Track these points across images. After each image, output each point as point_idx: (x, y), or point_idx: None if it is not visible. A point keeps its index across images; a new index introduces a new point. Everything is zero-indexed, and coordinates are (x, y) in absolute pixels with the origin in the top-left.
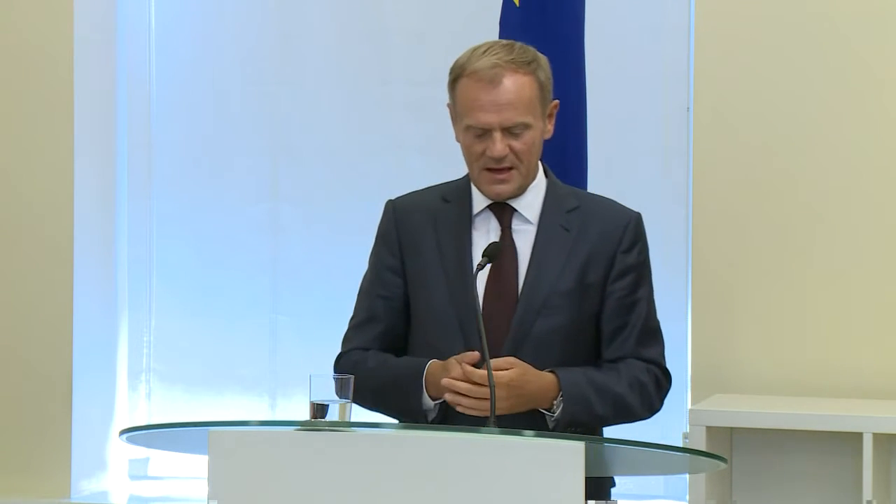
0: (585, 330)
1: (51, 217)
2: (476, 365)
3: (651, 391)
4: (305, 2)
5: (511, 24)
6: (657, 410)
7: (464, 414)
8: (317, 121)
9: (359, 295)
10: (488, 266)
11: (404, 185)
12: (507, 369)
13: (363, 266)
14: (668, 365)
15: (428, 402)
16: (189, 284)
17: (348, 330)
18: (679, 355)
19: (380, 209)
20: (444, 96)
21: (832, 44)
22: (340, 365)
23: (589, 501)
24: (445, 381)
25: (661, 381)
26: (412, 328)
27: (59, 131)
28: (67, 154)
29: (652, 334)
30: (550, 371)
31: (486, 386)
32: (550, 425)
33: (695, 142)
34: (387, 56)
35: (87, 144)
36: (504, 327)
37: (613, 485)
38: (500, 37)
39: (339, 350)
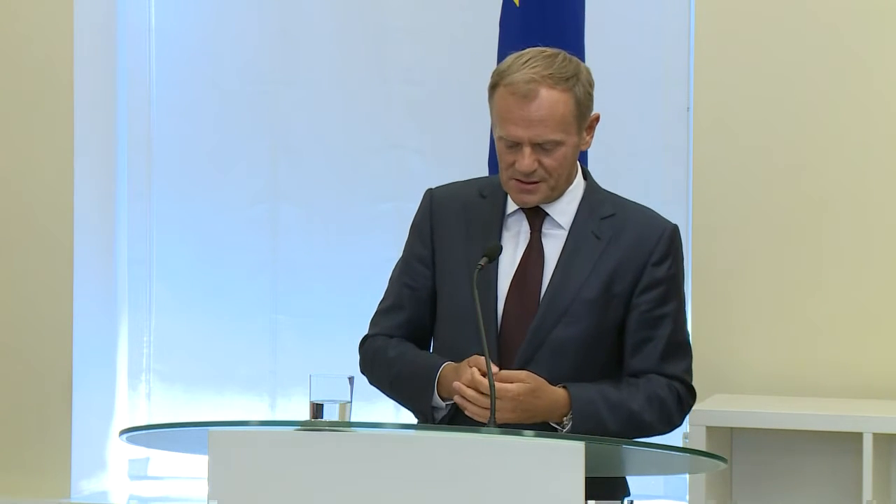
0: (605, 340)
1: (51, 217)
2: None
3: (671, 407)
4: (305, 1)
5: (511, 24)
6: (677, 426)
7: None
8: (317, 121)
9: (390, 279)
10: (514, 268)
11: (404, 185)
12: (515, 381)
13: (363, 266)
14: None
15: (438, 402)
16: (189, 284)
17: (376, 314)
18: None
19: (380, 209)
20: (444, 96)
21: (832, 44)
22: (364, 348)
23: (589, 501)
24: (455, 384)
25: (684, 398)
26: (437, 320)
27: (59, 131)
28: (67, 154)
29: (677, 349)
30: (563, 386)
31: (487, 395)
32: None
33: (695, 142)
34: (387, 56)
35: (87, 144)
36: (522, 332)
37: (628, 493)
38: (500, 37)
39: (340, 346)
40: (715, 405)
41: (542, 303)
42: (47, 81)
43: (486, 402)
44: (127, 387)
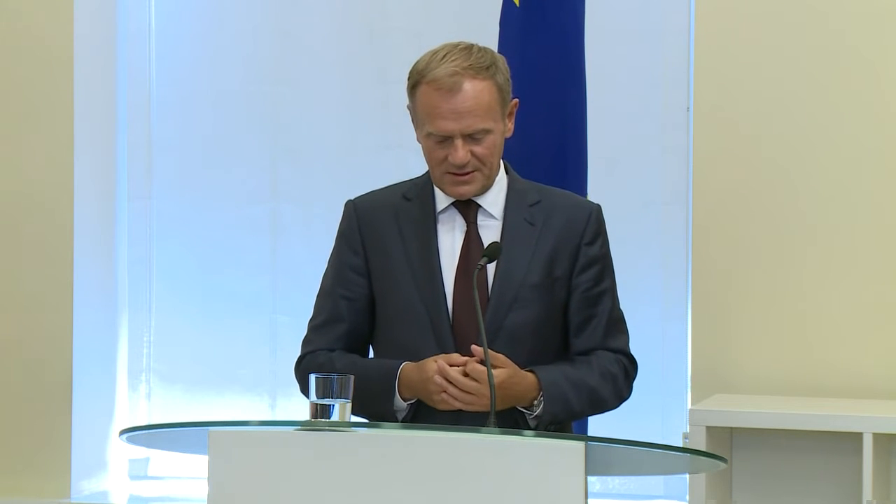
0: (554, 323)
1: (51, 217)
2: (442, 350)
3: (621, 381)
4: (305, 2)
5: (511, 24)
6: (626, 399)
7: (434, 414)
8: (317, 121)
9: (319, 296)
10: (456, 262)
11: None
12: (496, 367)
13: None
14: (669, 365)
15: (400, 404)
16: (189, 284)
17: (309, 331)
18: (679, 355)
19: None
20: None
21: (832, 43)
22: (304, 366)
23: (589, 500)
24: (442, 364)
25: (629, 370)
26: (379, 327)
27: (59, 131)
28: (67, 154)
29: (617, 324)
30: (529, 370)
31: (476, 381)
32: (531, 424)
33: (695, 141)
34: (387, 56)
35: (87, 144)
36: (474, 321)
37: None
38: (500, 37)
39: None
40: (715, 405)
41: (493, 292)
42: (47, 81)
43: (471, 385)
44: (127, 387)
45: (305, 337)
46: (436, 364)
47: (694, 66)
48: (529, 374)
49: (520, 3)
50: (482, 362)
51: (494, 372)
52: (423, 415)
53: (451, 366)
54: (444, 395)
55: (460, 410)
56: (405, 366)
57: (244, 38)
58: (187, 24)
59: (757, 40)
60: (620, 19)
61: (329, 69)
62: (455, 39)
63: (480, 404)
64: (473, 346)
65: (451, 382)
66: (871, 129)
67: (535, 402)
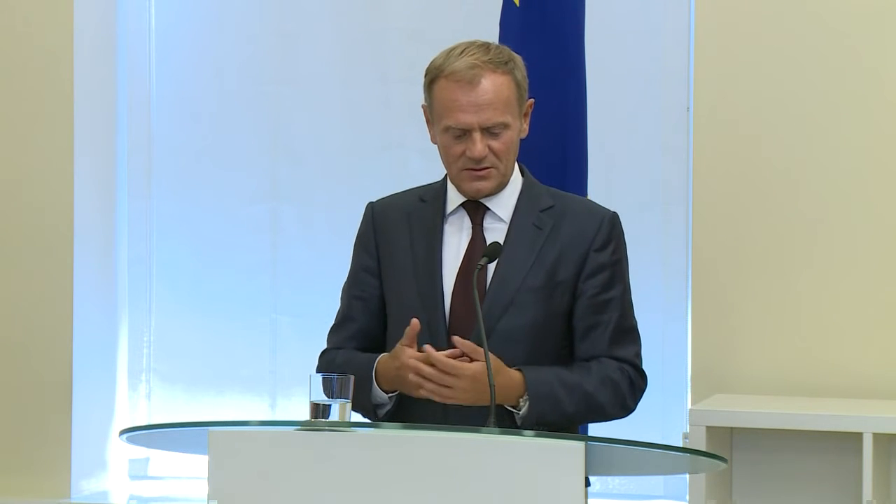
0: (554, 327)
1: (51, 217)
2: (436, 348)
3: (624, 390)
4: (305, 2)
5: (511, 24)
6: (632, 410)
7: (416, 407)
8: (317, 121)
9: (340, 296)
10: (459, 262)
11: (404, 185)
12: (474, 360)
13: None
14: (669, 365)
15: (380, 396)
16: (189, 284)
17: (329, 331)
18: (679, 355)
19: None
20: None
21: (832, 43)
22: (318, 365)
23: (589, 500)
24: (412, 362)
25: (636, 381)
26: (388, 327)
27: (59, 131)
28: (67, 154)
29: (625, 334)
30: (518, 369)
31: (450, 374)
32: (518, 422)
33: (694, 141)
34: (387, 56)
35: (87, 144)
36: (471, 322)
37: (588, 484)
38: (500, 37)
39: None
40: (715, 405)
41: (489, 293)
42: (47, 81)
43: (445, 379)
44: (127, 387)
45: (327, 337)
46: (406, 351)
47: (694, 66)
48: (514, 372)
49: (520, 3)
50: (466, 356)
51: (467, 365)
52: (407, 408)
53: (410, 337)
54: (420, 391)
55: (445, 404)
56: (381, 357)
57: (244, 38)
58: (187, 24)
59: (757, 40)
60: (620, 19)
61: (329, 69)
62: (455, 40)
63: (459, 398)
64: (455, 338)
65: (427, 378)
66: (871, 129)
67: (522, 400)
